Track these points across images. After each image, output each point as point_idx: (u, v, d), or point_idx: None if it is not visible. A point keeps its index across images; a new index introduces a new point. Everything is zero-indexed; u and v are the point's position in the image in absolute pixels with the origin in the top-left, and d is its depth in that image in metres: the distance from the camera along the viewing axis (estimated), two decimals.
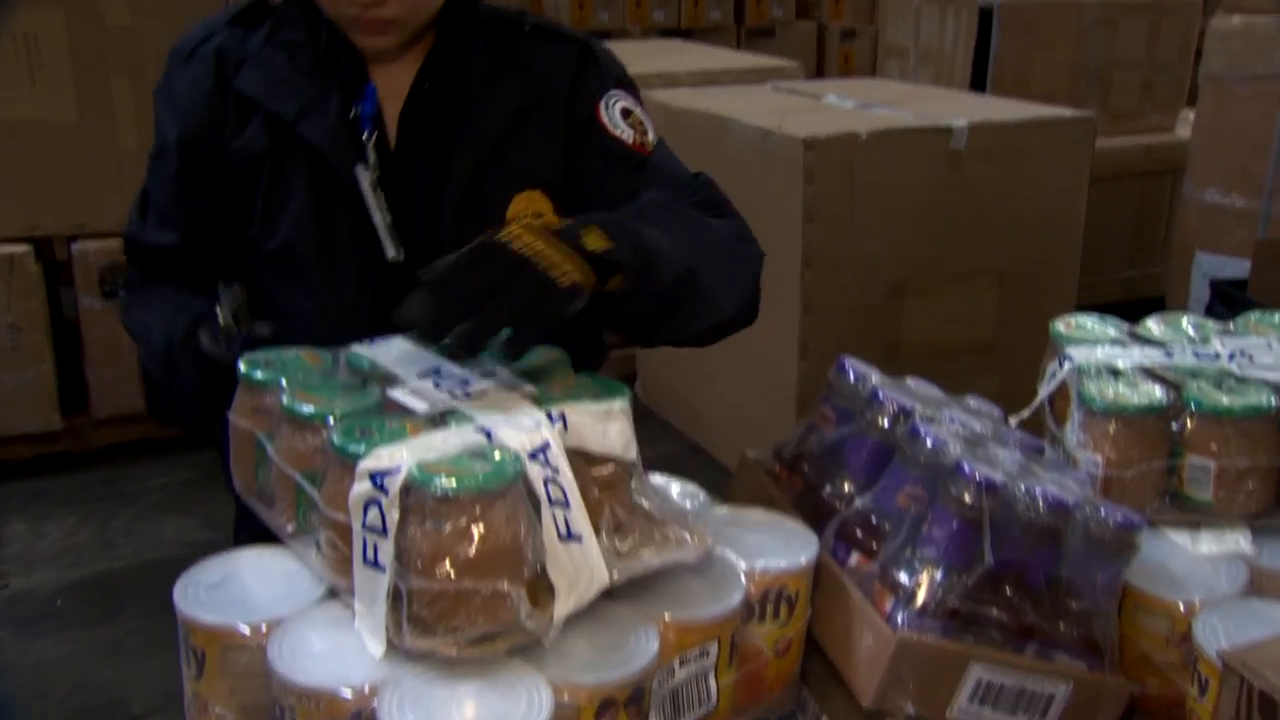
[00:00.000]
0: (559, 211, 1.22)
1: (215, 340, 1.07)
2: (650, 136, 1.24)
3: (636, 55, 3.95)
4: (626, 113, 1.23)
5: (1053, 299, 3.01)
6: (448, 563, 0.75)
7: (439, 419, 0.85)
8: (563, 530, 0.80)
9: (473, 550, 0.75)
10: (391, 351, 0.94)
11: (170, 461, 3.09)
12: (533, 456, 0.81)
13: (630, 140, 1.22)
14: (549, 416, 0.84)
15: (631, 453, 0.87)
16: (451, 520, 0.75)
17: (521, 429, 0.83)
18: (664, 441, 3.25)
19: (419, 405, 0.86)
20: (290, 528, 0.88)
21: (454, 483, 0.75)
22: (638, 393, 3.52)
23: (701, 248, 1.06)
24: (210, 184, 1.21)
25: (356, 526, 0.78)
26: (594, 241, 0.91)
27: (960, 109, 2.94)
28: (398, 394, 0.88)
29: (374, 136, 1.18)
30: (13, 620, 2.46)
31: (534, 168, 1.21)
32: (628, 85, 1.27)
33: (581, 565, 0.81)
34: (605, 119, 1.21)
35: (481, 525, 0.76)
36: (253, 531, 1.09)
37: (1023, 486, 0.90)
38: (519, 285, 0.86)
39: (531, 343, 0.90)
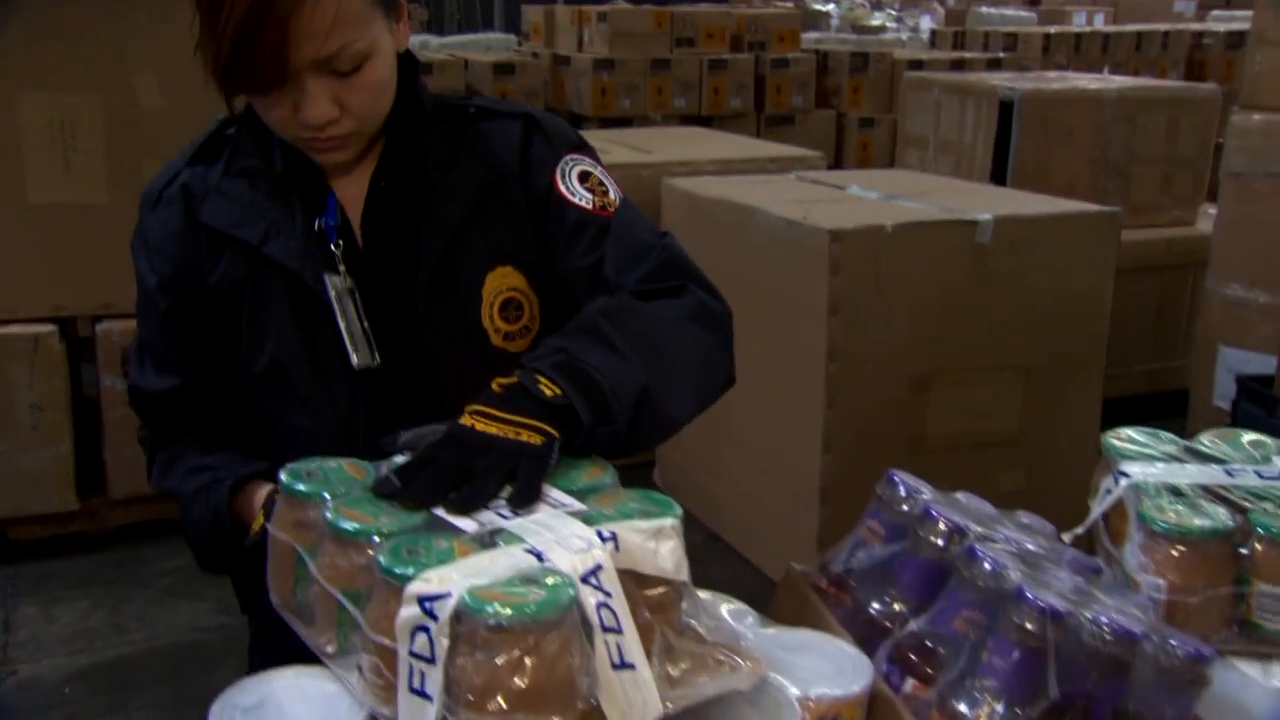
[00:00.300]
0: (534, 285, 1.23)
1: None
2: (611, 196, 1.24)
3: (659, 142, 3.99)
4: (584, 176, 1.24)
5: (1078, 393, 2.99)
6: (500, 696, 0.72)
7: (487, 538, 0.83)
8: (615, 658, 0.77)
9: (526, 683, 0.72)
10: None
11: (183, 544, 3.04)
12: (585, 580, 0.78)
13: (590, 205, 1.22)
14: (600, 536, 0.81)
15: (684, 573, 0.85)
16: (504, 651, 0.72)
17: (573, 550, 0.80)
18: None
19: (467, 524, 0.84)
20: (330, 648, 0.85)
21: (508, 611, 0.73)
22: (655, 480, 3.48)
23: (653, 356, 1.06)
24: (197, 321, 1.22)
25: (403, 652, 0.75)
26: (548, 389, 0.96)
27: (984, 202, 2.94)
28: (444, 511, 0.85)
29: (341, 246, 1.19)
30: (19, 709, 2.41)
31: (501, 245, 1.22)
32: (583, 149, 1.27)
33: (634, 695, 0.78)
34: (563, 187, 1.22)
35: (535, 656, 0.73)
36: (270, 649, 1.06)
37: (1088, 615, 0.87)
38: (495, 457, 0.90)
39: (533, 496, 0.89)
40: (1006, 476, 2.98)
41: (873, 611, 1.02)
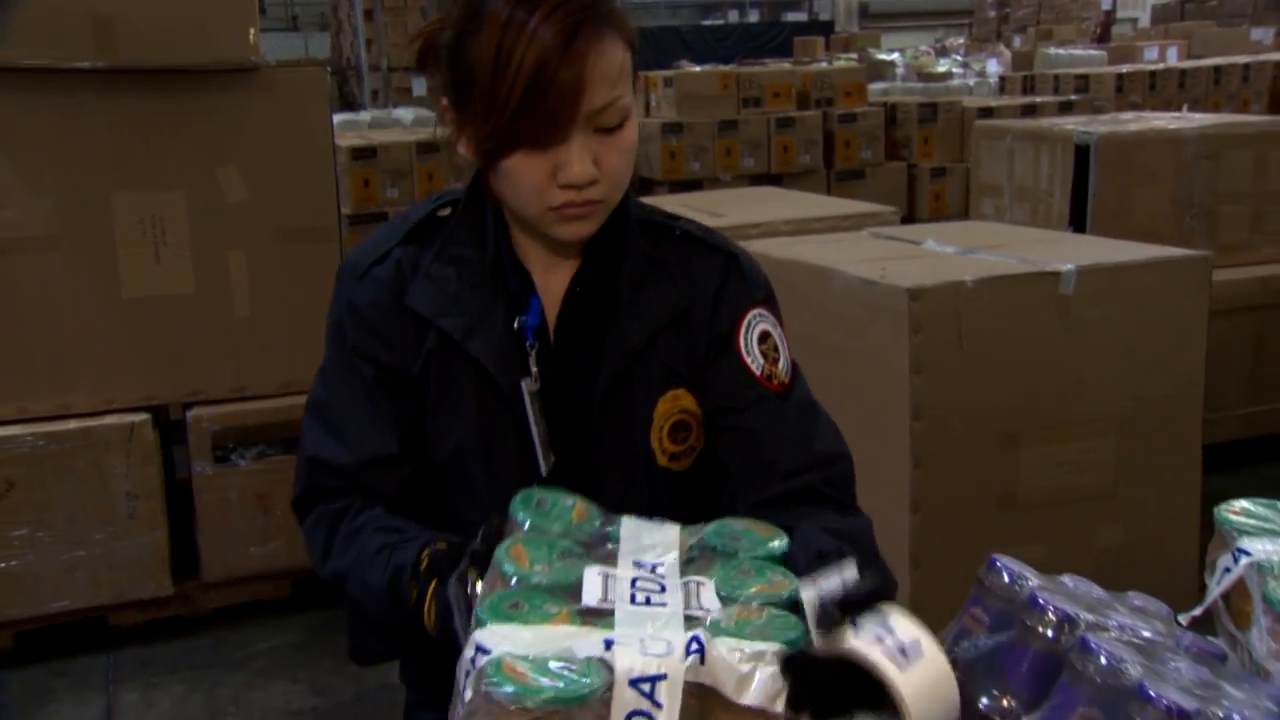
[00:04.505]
0: (703, 407, 1.24)
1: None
2: (781, 366, 1.24)
3: (730, 204, 3.99)
4: (764, 337, 1.24)
5: (1175, 442, 2.89)
6: None
7: (590, 615, 0.82)
8: None
9: None
10: (648, 534, 0.93)
11: (274, 625, 3.10)
12: (634, 683, 0.76)
13: (759, 371, 1.22)
14: (689, 647, 0.78)
15: (777, 706, 0.80)
16: None
17: (647, 652, 0.78)
18: None
19: (592, 596, 0.84)
20: None
21: (507, 690, 0.74)
22: None
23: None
24: (395, 395, 1.21)
25: (457, 688, 0.78)
26: None
27: (1066, 251, 2.89)
28: (589, 575, 0.86)
29: (535, 348, 1.20)
30: None
31: (678, 370, 1.23)
32: (771, 302, 1.27)
33: None
34: (742, 341, 1.22)
35: None
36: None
37: (1219, 713, 0.82)
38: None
39: None
40: (1104, 532, 2.88)
41: (982, 707, 0.97)
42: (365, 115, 6.56)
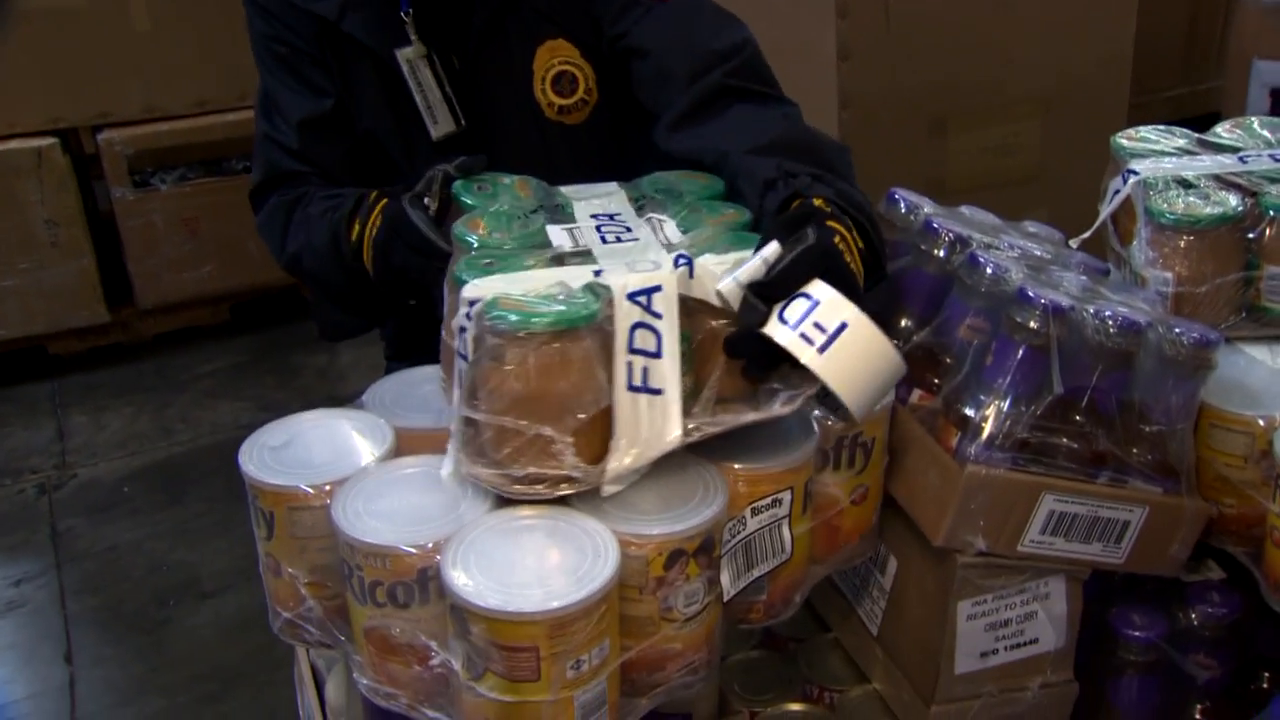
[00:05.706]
0: (588, 57, 1.21)
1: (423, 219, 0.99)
2: None
3: None
4: None
5: (1101, 123, 2.87)
6: (496, 398, 0.75)
7: (568, 257, 0.84)
8: (638, 380, 0.78)
9: (519, 390, 0.75)
10: (590, 191, 0.95)
11: (216, 348, 3.12)
12: (632, 297, 0.77)
13: None
14: (676, 261, 0.80)
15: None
16: (505, 357, 0.75)
17: (636, 270, 0.79)
18: None
19: (562, 241, 0.85)
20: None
21: (513, 318, 0.74)
22: None
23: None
24: (310, 69, 1.21)
25: (456, 347, 0.79)
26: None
27: None
28: (553, 231, 0.87)
29: (411, 14, 1.17)
30: (84, 508, 2.53)
31: (552, 18, 1.20)
32: None
33: (652, 419, 0.78)
34: None
35: (531, 366, 0.74)
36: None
37: (1091, 309, 0.86)
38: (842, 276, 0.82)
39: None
40: (1031, 213, 2.91)
41: None
42: None
